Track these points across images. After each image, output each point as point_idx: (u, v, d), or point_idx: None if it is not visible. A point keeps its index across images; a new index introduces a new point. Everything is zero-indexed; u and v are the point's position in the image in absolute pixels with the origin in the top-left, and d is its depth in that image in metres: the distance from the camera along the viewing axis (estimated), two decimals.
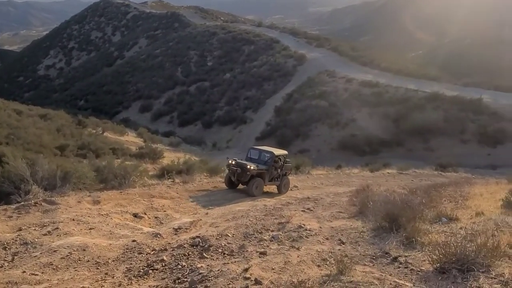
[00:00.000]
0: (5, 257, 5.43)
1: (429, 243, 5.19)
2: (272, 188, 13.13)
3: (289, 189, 13.51)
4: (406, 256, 4.93)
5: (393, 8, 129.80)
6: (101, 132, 27.27)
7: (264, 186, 12.41)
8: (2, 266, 5.10)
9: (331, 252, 5.32)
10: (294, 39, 60.03)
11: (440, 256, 4.37)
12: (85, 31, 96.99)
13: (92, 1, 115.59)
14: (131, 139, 29.42)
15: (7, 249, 5.68)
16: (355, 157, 27.63)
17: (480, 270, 4.11)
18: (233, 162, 12.18)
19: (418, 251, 5.09)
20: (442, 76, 41.31)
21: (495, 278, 3.96)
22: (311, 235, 6.24)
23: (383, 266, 4.77)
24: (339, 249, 5.49)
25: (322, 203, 10.03)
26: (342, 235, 6.33)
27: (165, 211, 9.24)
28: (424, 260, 4.69)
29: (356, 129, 31.28)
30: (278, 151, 13.02)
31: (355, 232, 6.43)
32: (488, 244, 4.34)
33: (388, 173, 19.90)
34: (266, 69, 48.42)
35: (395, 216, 6.17)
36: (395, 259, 4.90)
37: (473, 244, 4.39)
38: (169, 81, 55.63)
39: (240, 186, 12.45)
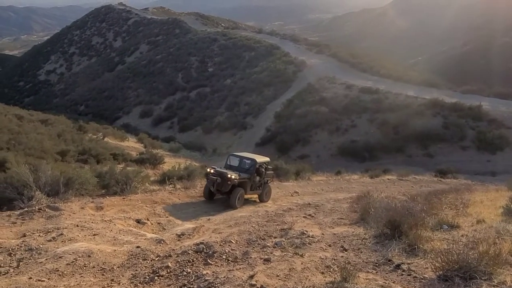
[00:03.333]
0: (10, 263, 5.46)
1: (431, 250, 5.25)
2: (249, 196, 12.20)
3: (288, 195, 13.43)
4: (409, 264, 4.98)
5: (393, 15, 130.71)
6: (101, 138, 27.28)
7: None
8: (7, 273, 5.12)
9: (334, 259, 5.37)
10: (294, 46, 60.33)
11: (443, 263, 4.42)
12: (86, 36, 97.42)
13: (93, 6, 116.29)
14: (131, 145, 29.45)
15: (12, 255, 5.71)
16: (355, 163, 27.68)
17: (483, 278, 4.17)
18: (212, 171, 11.11)
19: (421, 259, 5.14)
20: (442, 83, 41.50)
21: (497, 286, 4.02)
22: (314, 242, 6.28)
23: (386, 273, 4.81)
24: (342, 256, 5.54)
25: (323, 209, 10.08)
26: (344, 242, 6.38)
27: (167, 217, 9.29)
28: (427, 268, 4.74)
29: (356, 135, 31.36)
30: (260, 158, 12.23)
31: (357, 239, 6.48)
32: (490, 252, 4.39)
33: (388, 179, 19.94)
34: (266, 75, 48.56)
35: (397, 223, 6.22)
36: (398, 266, 4.95)
37: (475, 252, 4.44)
38: (169, 86, 55.80)
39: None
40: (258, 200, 12.06)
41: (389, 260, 5.19)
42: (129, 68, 69.60)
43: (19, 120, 25.73)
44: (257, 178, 11.72)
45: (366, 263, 5.22)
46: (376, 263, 5.17)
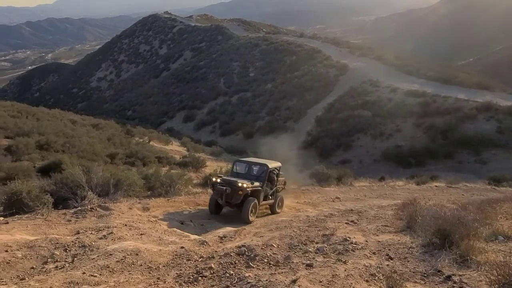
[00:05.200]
0: (66, 258, 5.83)
1: (486, 262, 4.94)
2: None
3: (329, 201, 13.05)
4: (460, 275, 4.72)
5: (439, 16, 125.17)
6: (147, 141, 28.35)
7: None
8: (63, 267, 5.49)
9: (379, 268, 5.20)
10: (336, 49, 59.39)
11: (499, 277, 4.15)
12: (134, 44, 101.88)
13: (141, 16, 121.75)
14: (175, 148, 30.36)
15: (67, 251, 6.10)
16: (400, 169, 26.66)
17: None
18: (219, 180, 9.80)
19: (474, 271, 4.85)
20: (495, 85, 39.07)
21: None
22: (357, 249, 6.13)
23: (436, 284, 4.59)
24: (387, 265, 5.36)
25: (366, 216, 9.79)
26: (389, 250, 6.16)
27: (209, 219, 9.48)
28: (481, 281, 4.47)
29: (401, 140, 30.27)
30: (272, 163, 10.75)
31: (403, 248, 6.23)
32: None
33: (436, 186, 18.99)
34: (308, 79, 48.22)
35: (447, 232, 5.91)
36: (448, 277, 4.70)
37: None
38: (212, 92, 57.01)
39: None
40: (269, 212, 10.78)
41: (439, 271, 4.94)
42: (173, 75, 71.97)
43: (73, 125, 27.46)
44: (271, 186, 10.55)
45: (413, 273, 5.01)
46: (425, 274, 4.94)
